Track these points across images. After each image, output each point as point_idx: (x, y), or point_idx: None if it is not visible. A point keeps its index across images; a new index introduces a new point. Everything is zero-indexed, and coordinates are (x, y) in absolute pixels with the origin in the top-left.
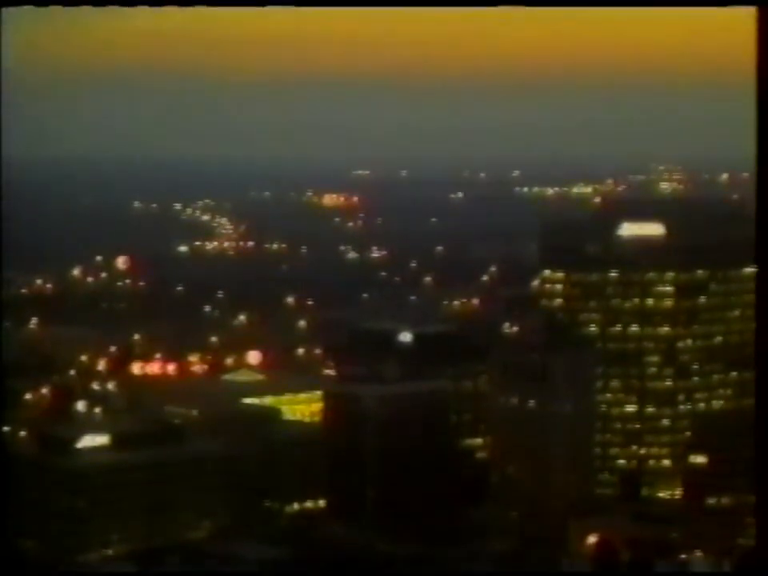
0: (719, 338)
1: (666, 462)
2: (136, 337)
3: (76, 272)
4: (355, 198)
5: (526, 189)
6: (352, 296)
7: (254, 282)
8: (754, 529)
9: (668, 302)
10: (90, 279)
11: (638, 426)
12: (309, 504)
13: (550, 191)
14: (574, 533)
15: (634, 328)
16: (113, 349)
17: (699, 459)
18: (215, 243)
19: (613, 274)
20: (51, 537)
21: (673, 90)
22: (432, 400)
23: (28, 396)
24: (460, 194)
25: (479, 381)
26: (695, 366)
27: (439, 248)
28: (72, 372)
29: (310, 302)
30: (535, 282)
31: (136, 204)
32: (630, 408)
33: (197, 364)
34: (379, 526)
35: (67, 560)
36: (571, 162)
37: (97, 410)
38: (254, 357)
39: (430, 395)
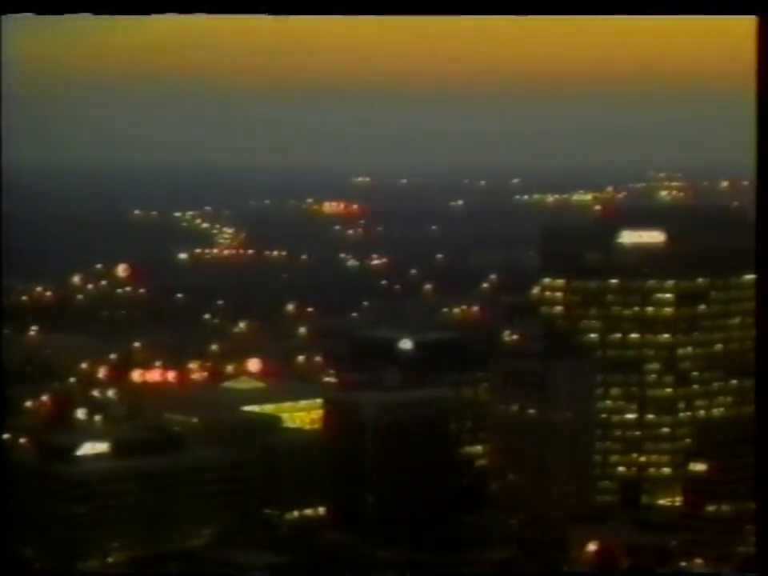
0: (719, 346)
1: (666, 470)
2: (136, 344)
3: (76, 279)
4: (355, 206)
5: (525, 196)
6: (352, 303)
7: (254, 290)
8: (753, 536)
9: (668, 310)
10: (90, 287)
11: (638, 433)
12: (309, 511)
13: (549, 199)
14: (574, 540)
15: (634, 335)
16: (113, 356)
17: (699, 467)
18: (215, 251)
19: (613, 282)
20: (51, 544)
21: (673, 97)
22: (432, 407)
23: (28, 403)
24: (460, 202)
25: (479, 388)
26: (695, 374)
27: (439, 255)
28: (72, 379)
29: (310, 310)
30: (535, 290)
31: (136, 212)
32: (630, 415)
33: (197, 371)
34: (379, 533)
35: (67, 567)
36: (571, 169)
37: (97, 417)
38: (254, 364)
39: (430, 403)
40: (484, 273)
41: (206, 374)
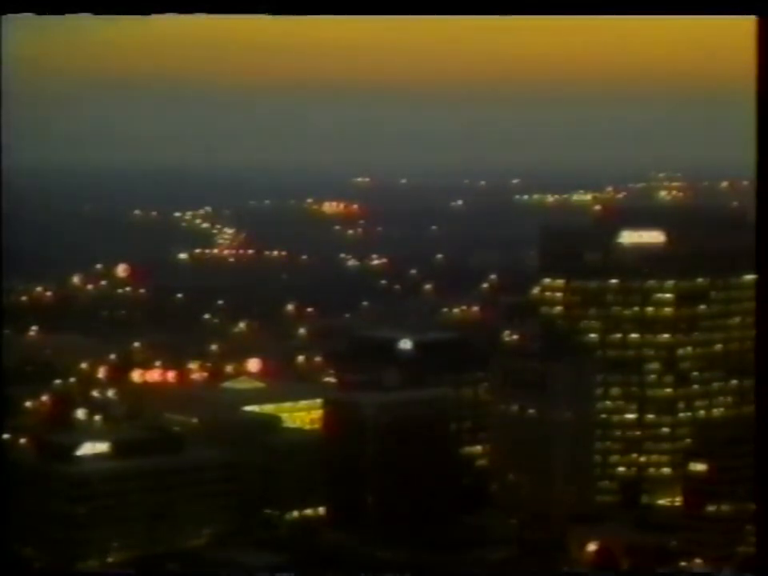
0: (719, 346)
1: (666, 470)
2: (136, 344)
3: (76, 279)
4: (355, 206)
5: (525, 196)
6: (352, 303)
7: (254, 290)
8: (753, 536)
9: (668, 310)
10: (90, 287)
11: (637, 433)
12: (308, 511)
13: (549, 199)
14: (574, 540)
15: (634, 335)
16: (113, 356)
17: (699, 467)
18: (215, 251)
19: (613, 282)
20: (51, 544)
21: (672, 97)
22: (432, 407)
23: (28, 403)
24: (460, 202)
25: (479, 388)
26: (695, 374)
27: (439, 255)
28: (72, 379)
29: (310, 310)
30: (535, 290)
31: (136, 212)
32: (630, 415)
33: (197, 372)
34: (379, 533)
35: (67, 567)
36: (571, 169)
37: (97, 417)
38: (253, 364)
39: (430, 403)
40: (484, 273)
41: (205, 373)
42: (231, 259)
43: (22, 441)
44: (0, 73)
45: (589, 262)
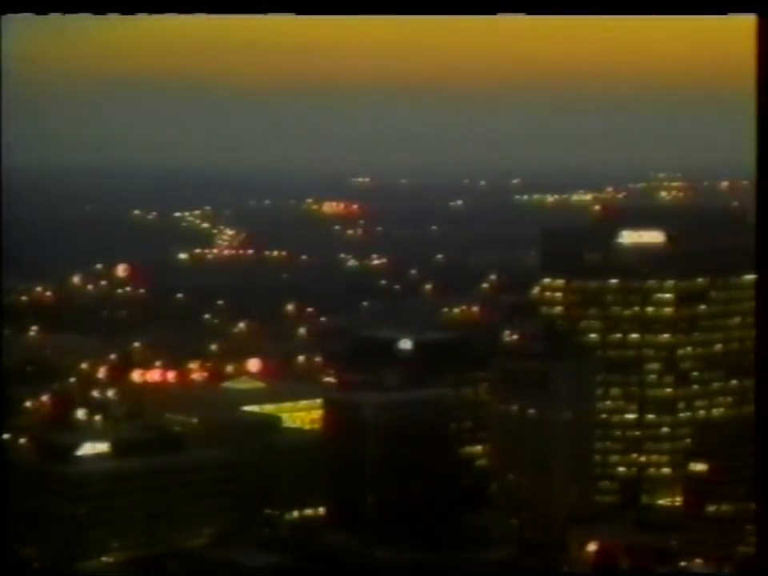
0: (719, 346)
1: (666, 470)
2: (136, 344)
3: (76, 280)
4: (355, 206)
5: (525, 196)
6: (352, 304)
7: (254, 290)
8: (753, 536)
9: (668, 310)
10: (90, 287)
11: (638, 433)
12: (309, 511)
13: (549, 199)
14: (574, 540)
15: (634, 335)
16: (113, 356)
17: (699, 467)
18: (215, 251)
19: (613, 282)
20: (51, 544)
21: (672, 97)
22: (432, 407)
23: (28, 403)
24: (460, 202)
25: (479, 388)
26: (695, 374)
27: (439, 256)
28: (72, 379)
29: (310, 310)
30: (535, 290)
31: (136, 212)
32: (630, 415)
33: (197, 372)
34: (379, 533)
35: (67, 567)
36: (571, 169)
37: (97, 417)
38: (254, 364)
39: (430, 403)
40: (484, 273)
41: (206, 374)
42: (231, 259)
43: (22, 441)
44: (0, 73)
45: (589, 262)
